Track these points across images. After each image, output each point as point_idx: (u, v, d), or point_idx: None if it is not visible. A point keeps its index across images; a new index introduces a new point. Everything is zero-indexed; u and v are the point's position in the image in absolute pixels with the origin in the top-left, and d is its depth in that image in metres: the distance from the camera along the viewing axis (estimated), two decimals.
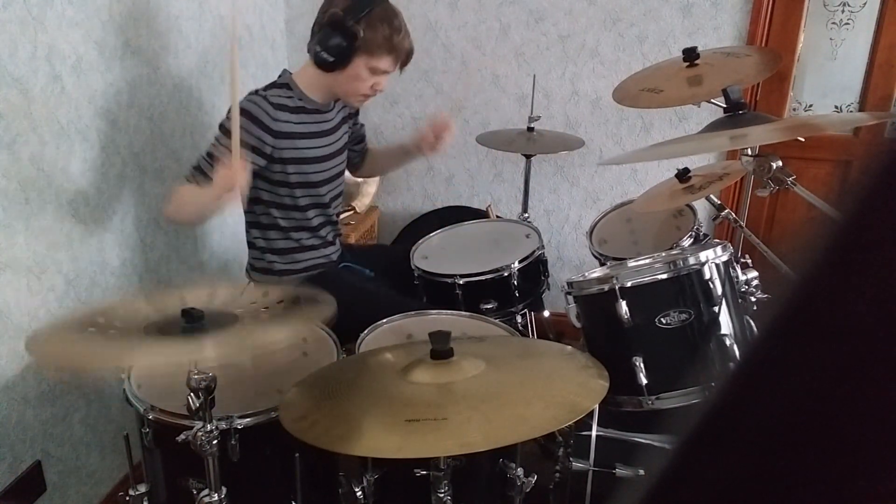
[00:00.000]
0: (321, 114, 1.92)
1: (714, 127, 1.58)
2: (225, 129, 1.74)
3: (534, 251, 2.00)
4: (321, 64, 1.79)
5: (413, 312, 1.71)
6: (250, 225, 1.98)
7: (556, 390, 1.21)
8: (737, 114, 1.56)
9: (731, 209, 1.90)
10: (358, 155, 2.18)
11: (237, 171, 1.48)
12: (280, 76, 1.90)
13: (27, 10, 1.57)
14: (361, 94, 1.85)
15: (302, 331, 1.09)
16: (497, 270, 1.93)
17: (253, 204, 1.92)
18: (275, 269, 1.97)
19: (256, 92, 1.83)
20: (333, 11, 1.74)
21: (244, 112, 1.72)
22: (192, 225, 1.91)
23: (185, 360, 1.10)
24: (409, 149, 2.09)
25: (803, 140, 1.67)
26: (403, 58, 1.83)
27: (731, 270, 1.52)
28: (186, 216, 1.83)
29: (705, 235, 1.99)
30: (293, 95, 1.86)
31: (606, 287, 1.48)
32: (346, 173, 2.12)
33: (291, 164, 1.85)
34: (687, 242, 1.90)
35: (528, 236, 2.15)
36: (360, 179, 2.78)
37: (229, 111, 1.66)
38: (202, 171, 1.73)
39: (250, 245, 2.00)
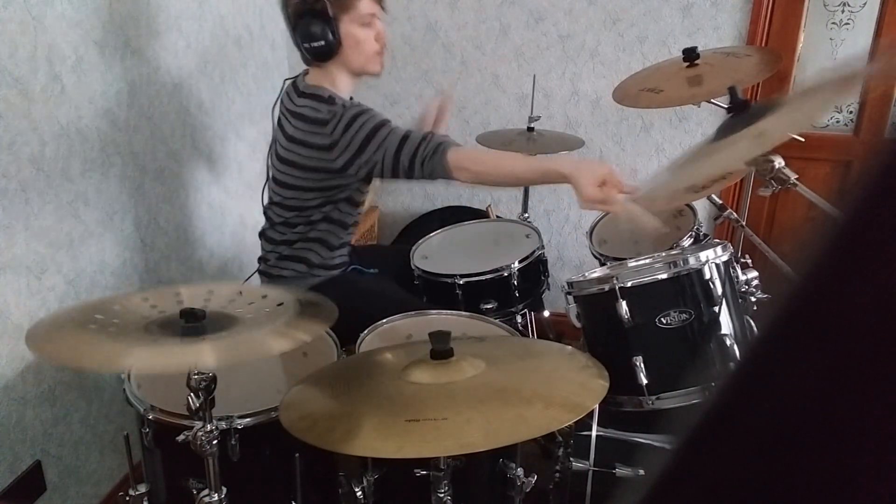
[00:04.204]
0: None
1: (725, 130, 1.55)
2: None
3: (534, 251, 2.00)
4: (321, 55, 1.71)
5: (413, 312, 1.71)
6: (309, 241, 1.87)
7: (556, 390, 1.21)
8: (741, 113, 1.55)
9: (732, 209, 1.90)
10: None
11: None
12: (312, 91, 1.74)
13: (27, 10, 1.57)
14: (374, 52, 1.77)
15: (303, 339, 1.08)
16: (497, 270, 1.93)
17: (320, 221, 1.85)
18: (314, 283, 1.89)
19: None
20: (293, 4, 1.70)
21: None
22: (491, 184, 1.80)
23: (185, 363, 1.10)
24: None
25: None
26: None
27: (731, 270, 1.52)
28: (494, 179, 1.69)
29: (705, 235, 1.99)
30: (337, 104, 1.74)
31: (606, 287, 1.48)
32: None
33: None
34: (687, 242, 1.90)
35: (528, 236, 2.15)
36: None
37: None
38: None
39: (297, 259, 1.88)
